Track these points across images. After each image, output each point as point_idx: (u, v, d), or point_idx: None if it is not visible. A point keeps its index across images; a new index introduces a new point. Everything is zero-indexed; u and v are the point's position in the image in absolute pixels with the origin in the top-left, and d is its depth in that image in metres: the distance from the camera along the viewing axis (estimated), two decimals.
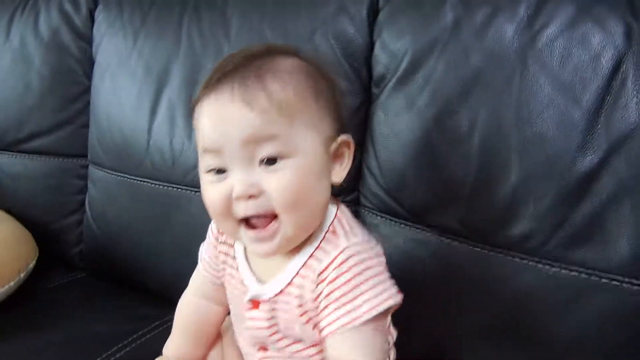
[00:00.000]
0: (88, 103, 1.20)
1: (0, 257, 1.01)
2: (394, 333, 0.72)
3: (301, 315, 0.62)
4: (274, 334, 0.65)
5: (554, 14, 0.74)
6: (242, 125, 0.57)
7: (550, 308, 0.76)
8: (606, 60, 0.70)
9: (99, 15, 1.19)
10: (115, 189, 1.15)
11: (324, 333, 0.60)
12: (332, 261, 0.60)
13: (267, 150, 0.57)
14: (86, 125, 1.20)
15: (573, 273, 0.73)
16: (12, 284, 1.01)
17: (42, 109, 1.22)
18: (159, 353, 0.79)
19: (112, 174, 1.15)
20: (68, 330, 0.96)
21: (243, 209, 0.59)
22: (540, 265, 0.76)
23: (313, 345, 0.64)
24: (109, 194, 1.17)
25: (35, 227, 1.17)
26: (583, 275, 0.73)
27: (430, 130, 0.82)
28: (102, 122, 1.16)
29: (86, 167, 1.22)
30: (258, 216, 0.59)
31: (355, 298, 0.58)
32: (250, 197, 0.58)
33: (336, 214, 0.64)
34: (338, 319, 0.59)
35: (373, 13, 0.90)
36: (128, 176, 1.12)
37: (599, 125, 0.70)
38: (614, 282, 0.71)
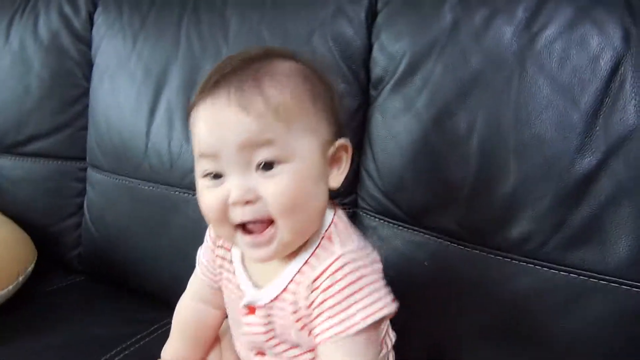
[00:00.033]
0: (87, 106, 1.20)
1: None
2: (392, 336, 0.72)
3: (296, 321, 0.62)
4: (270, 339, 0.65)
5: (553, 16, 0.74)
6: (239, 129, 0.56)
7: (549, 309, 0.76)
8: (605, 62, 0.70)
9: (98, 18, 1.19)
10: (114, 191, 1.15)
11: (316, 340, 0.60)
12: (326, 269, 0.59)
13: (263, 155, 0.57)
14: (85, 128, 1.20)
15: (572, 275, 0.74)
16: (10, 287, 1.00)
17: (41, 111, 1.22)
18: (158, 356, 0.78)
19: (111, 177, 1.15)
20: (67, 334, 0.96)
21: (240, 214, 0.58)
22: (538, 267, 0.76)
23: (310, 351, 0.64)
24: (108, 196, 1.17)
25: (34, 230, 1.17)
26: (581, 277, 0.73)
27: (428, 132, 0.82)
28: (100, 124, 1.16)
29: (85, 169, 1.22)
30: (255, 221, 0.59)
31: (349, 307, 0.57)
32: (247, 202, 0.57)
33: (333, 219, 0.64)
34: (331, 327, 0.58)
35: (371, 15, 0.90)
36: (126, 179, 1.12)
37: (598, 127, 0.70)
38: (613, 284, 0.71)
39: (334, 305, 0.58)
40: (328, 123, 0.62)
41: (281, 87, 0.58)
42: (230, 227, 0.60)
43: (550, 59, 0.73)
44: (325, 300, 0.58)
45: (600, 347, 0.73)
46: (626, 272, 0.70)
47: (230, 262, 0.69)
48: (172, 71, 1.06)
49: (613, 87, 0.70)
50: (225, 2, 1.03)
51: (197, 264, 0.76)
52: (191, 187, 1.01)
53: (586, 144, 0.71)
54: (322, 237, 0.62)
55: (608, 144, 0.70)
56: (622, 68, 0.69)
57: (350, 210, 0.93)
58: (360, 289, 0.58)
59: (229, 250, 0.70)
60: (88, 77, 1.20)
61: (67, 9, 1.22)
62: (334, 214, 0.64)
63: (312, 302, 0.59)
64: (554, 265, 0.74)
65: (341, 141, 0.63)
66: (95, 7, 1.21)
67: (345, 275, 0.58)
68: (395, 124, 0.85)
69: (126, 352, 0.92)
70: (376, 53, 0.88)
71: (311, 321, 0.60)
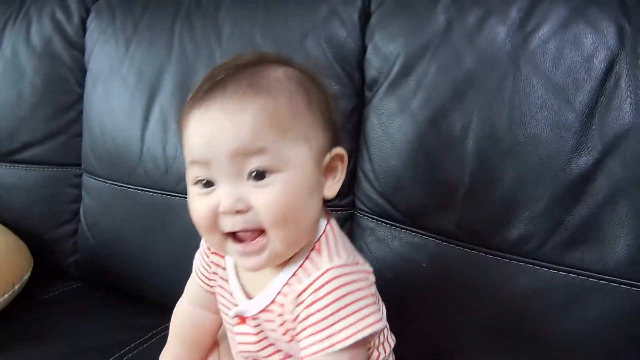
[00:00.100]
0: (81, 112, 1.19)
1: None
2: (392, 340, 0.71)
3: (284, 333, 0.61)
4: (263, 349, 0.64)
5: (546, 16, 0.74)
6: (231, 137, 0.55)
7: (548, 310, 0.76)
8: (599, 61, 0.70)
9: (91, 24, 1.19)
10: (110, 197, 1.15)
11: (301, 355, 0.58)
12: (311, 284, 0.57)
13: (255, 164, 0.55)
14: (79, 134, 1.20)
15: (571, 275, 0.73)
16: (6, 296, 1.00)
17: (35, 118, 1.21)
18: None
19: (106, 183, 1.15)
20: (64, 341, 0.96)
21: (230, 223, 0.57)
22: (537, 268, 0.76)
23: None
24: (103, 202, 1.17)
25: (30, 237, 1.17)
26: (580, 277, 0.73)
27: (424, 133, 0.81)
28: (95, 130, 1.15)
29: (80, 176, 1.21)
30: (245, 230, 0.57)
31: (333, 324, 0.55)
32: (238, 212, 0.56)
33: (325, 230, 0.62)
34: (314, 343, 0.56)
35: (365, 16, 0.89)
36: (122, 184, 1.12)
37: (593, 127, 0.70)
38: (612, 284, 0.71)
39: (317, 322, 0.56)
40: (323, 129, 0.60)
41: (275, 94, 0.57)
42: (220, 236, 0.59)
43: (544, 59, 0.73)
44: (309, 316, 0.56)
45: (599, 347, 0.73)
46: (625, 272, 0.70)
47: (224, 269, 0.69)
48: (166, 76, 1.06)
49: (608, 85, 0.70)
50: (217, 6, 1.03)
51: (193, 269, 0.75)
52: (187, 192, 1.01)
53: (582, 143, 0.71)
54: (312, 249, 0.60)
55: (604, 143, 0.70)
56: (617, 66, 0.69)
57: (348, 212, 0.93)
58: (346, 306, 0.56)
59: (223, 257, 0.69)
60: (81, 83, 1.20)
61: (60, 15, 1.22)
62: (327, 224, 0.63)
63: (297, 316, 0.58)
64: (553, 266, 0.74)
65: (337, 150, 0.61)
66: (87, 12, 1.21)
67: (330, 292, 0.56)
68: (390, 125, 0.85)
69: (124, 359, 0.92)
70: (370, 54, 0.88)
71: (297, 334, 0.59)
